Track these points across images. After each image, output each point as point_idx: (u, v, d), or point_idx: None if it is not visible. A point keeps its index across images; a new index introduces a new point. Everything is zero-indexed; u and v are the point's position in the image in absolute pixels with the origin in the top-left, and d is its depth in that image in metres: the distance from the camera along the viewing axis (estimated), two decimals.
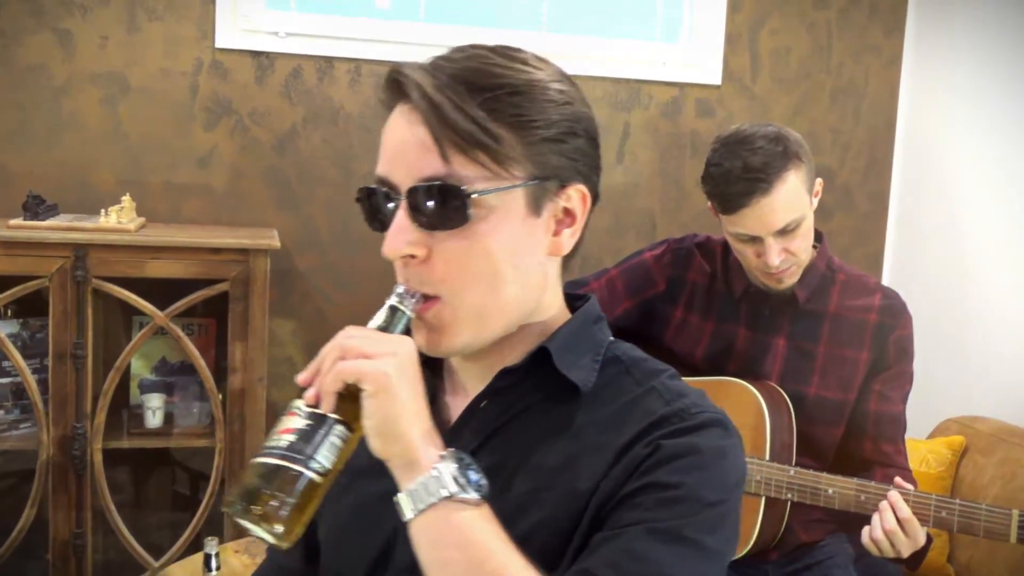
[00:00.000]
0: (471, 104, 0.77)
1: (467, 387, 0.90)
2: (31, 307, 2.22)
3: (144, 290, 2.19)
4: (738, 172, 1.52)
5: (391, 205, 0.80)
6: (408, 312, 0.80)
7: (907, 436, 1.80)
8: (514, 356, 0.86)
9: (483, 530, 0.74)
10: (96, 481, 2.17)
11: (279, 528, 0.72)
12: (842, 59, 2.87)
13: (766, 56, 2.83)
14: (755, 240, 1.57)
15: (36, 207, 2.14)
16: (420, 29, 2.62)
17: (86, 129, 2.42)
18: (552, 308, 0.88)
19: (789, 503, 1.62)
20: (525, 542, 0.75)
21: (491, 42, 0.84)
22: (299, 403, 0.76)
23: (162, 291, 2.21)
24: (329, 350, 0.76)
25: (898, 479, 1.52)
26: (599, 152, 0.88)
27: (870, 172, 2.94)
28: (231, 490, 0.98)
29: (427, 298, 0.80)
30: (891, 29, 2.89)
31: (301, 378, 0.77)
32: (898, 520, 1.45)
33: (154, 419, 2.30)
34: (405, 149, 0.79)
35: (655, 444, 0.79)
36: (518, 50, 0.84)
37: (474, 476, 0.75)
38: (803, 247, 1.60)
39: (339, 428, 0.75)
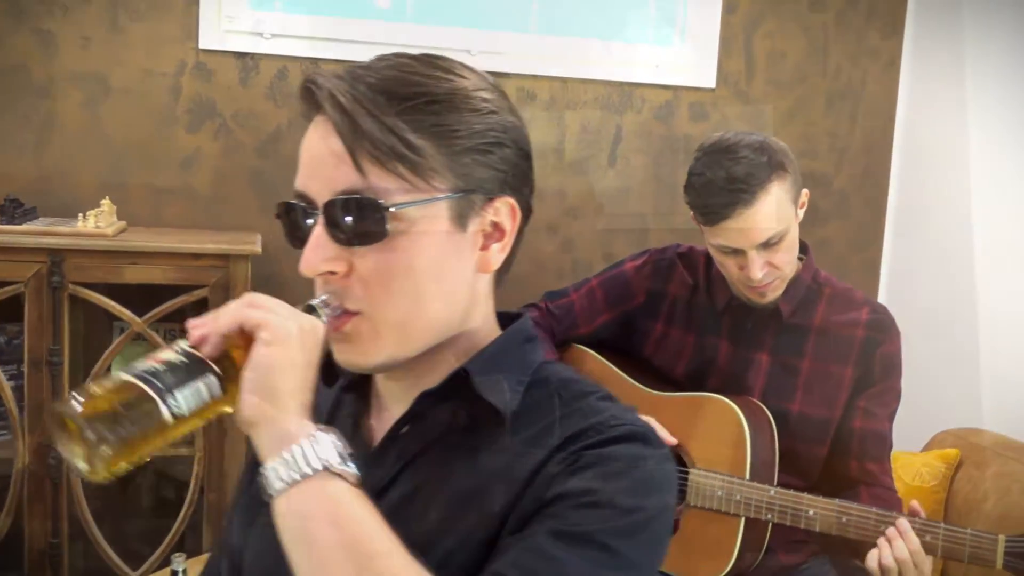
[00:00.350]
0: (388, 114, 0.75)
1: (391, 409, 0.86)
2: (7, 313, 2.18)
3: (123, 295, 2.15)
4: (720, 183, 1.49)
5: (309, 221, 0.77)
6: (323, 319, 0.76)
7: (901, 449, 1.77)
8: (436, 377, 0.82)
9: (362, 508, 0.69)
10: (72, 490, 2.13)
11: (105, 451, 0.63)
12: (839, 62, 2.81)
13: (761, 59, 2.77)
14: (737, 253, 1.54)
15: (13, 211, 2.11)
16: (408, 30, 2.57)
17: (66, 131, 2.38)
18: (481, 327, 0.85)
19: (770, 524, 1.58)
20: (440, 569, 0.71)
21: (469, 45, 0.82)
22: (182, 342, 0.71)
23: (142, 296, 2.18)
24: (236, 302, 0.73)
25: (914, 504, 1.47)
26: (531, 163, 0.85)
27: (867, 178, 2.88)
28: (69, 394, 0.89)
29: (347, 312, 0.77)
30: (889, 32, 2.83)
31: (193, 322, 0.73)
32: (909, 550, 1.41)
33: None
34: (321, 162, 0.77)
35: (572, 457, 0.76)
36: (443, 59, 0.81)
37: (351, 461, 0.71)
38: (787, 260, 1.57)
39: (212, 378, 0.69)
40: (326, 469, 0.68)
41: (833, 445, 1.63)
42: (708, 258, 1.69)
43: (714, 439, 1.60)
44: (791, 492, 1.55)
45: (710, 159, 1.52)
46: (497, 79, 0.86)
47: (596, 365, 1.74)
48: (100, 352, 2.22)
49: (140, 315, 2.14)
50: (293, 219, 0.79)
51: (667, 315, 1.73)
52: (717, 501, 1.58)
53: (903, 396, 1.69)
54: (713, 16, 2.72)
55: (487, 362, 0.82)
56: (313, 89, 0.76)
